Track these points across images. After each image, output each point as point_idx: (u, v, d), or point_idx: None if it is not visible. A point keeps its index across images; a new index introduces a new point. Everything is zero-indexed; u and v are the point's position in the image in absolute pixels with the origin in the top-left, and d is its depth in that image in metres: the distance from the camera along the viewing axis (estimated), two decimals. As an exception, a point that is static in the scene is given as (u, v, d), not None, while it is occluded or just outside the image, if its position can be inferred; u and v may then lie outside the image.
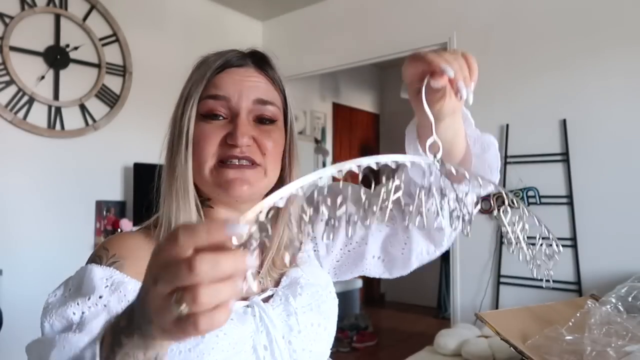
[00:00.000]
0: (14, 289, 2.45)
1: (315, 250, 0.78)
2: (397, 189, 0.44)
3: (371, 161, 0.41)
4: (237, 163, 0.63)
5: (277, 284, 0.70)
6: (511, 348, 1.11)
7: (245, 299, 0.65)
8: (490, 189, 0.56)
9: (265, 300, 0.66)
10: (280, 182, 0.69)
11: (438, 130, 0.54)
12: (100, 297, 0.57)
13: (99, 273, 0.59)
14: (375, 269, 0.78)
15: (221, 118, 0.65)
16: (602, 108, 2.42)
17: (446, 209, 0.58)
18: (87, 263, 0.62)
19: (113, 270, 0.60)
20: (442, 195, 0.50)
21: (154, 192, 0.68)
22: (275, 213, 0.66)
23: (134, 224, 2.96)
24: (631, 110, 2.35)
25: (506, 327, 1.16)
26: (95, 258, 0.62)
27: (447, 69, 0.50)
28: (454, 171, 0.49)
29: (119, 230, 2.76)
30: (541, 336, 1.12)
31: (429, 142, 0.49)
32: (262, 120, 0.66)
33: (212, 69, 0.66)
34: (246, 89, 0.65)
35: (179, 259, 0.32)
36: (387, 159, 0.42)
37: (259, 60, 0.70)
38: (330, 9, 3.51)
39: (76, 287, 0.60)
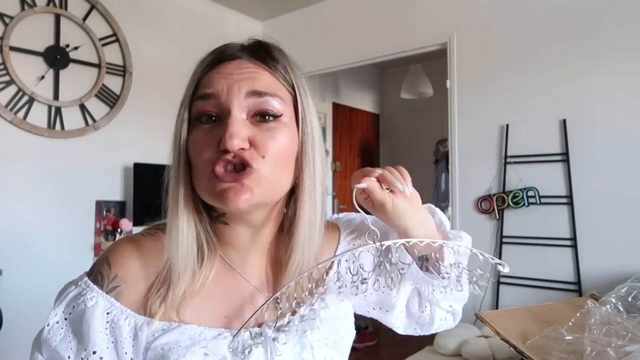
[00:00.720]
0: (14, 289, 2.45)
1: (341, 290, 0.68)
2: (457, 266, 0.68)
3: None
4: (230, 172, 0.53)
5: (295, 311, 0.63)
6: (511, 348, 1.11)
7: (259, 325, 0.60)
8: (463, 245, 0.69)
9: (281, 328, 0.60)
10: (295, 188, 0.60)
11: (411, 228, 0.63)
12: (94, 352, 0.54)
13: (100, 309, 0.56)
14: (397, 321, 0.74)
15: (213, 119, 0.55)
16: (602, 108, 2.42)
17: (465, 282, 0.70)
18: (88, 276, 0.59)
19: (113, 301, 0.56)
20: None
21: (163, 193, 0.62)
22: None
23: (134, 224, 2.95)
24: (631, 110, 2.35)
25: (506, 327, 1.16)
26: (97, 275, 0.58)
27: (376, 170, 0.62)
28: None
29: (119, 230, 2.76)
30: (541, 336, 1.12)
31: (367, 233, 0.60)
32: (263, 117, 0.55)
33: (202, 67, 0.58)
34: (236, 82, 0.55)
35: None
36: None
37: (256, 51, 0.59)
38: (330, 9, 3.51)
39: (76, 325, 0.56)
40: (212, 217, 0.61)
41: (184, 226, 0.57)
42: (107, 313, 0.55)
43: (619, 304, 1.25)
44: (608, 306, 1.23)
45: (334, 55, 3.46)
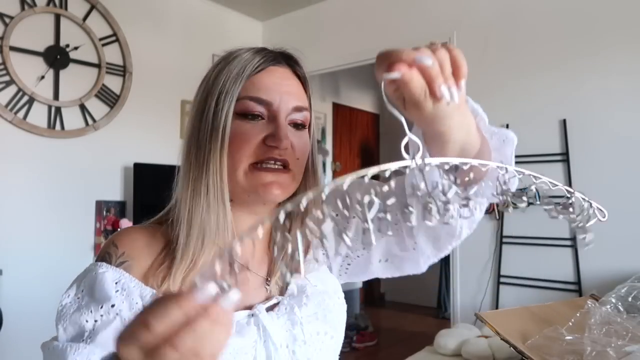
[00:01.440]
0: (14, 289, 2.45)
1: (324, 254, 0.76)
2: (370, 204, 0.40)
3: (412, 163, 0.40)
4: (274, 166, 0.62)
5: (282, 291, 0.69)
6: (511, 348, 1.11)
7: (249, 307, 0.64)
8: (514, 184, 0.51)
9: (271, 308, 0.65)
10: (301, 187, 0.68)
11: (447, 133, 0.50)
12: (113, 305, 0.58)
13: (110, 276, 0.60)
14: (384, 272, 0.76)
15: (260, 119, 0.64)
16: (602, 108, 2.42)
17: (453, 211, 0.56)
18: (96, 260, 0.63)
19: (122, 272, 0.60)
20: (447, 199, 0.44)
21: (169, 189, 0.67)
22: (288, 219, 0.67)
23: (134, 224, 2.96)
24: (631, 110, 2.35)
25: (506, 327, 1.16)
26: (105, 256, 0.62)
27: (423, 59, 0.43)
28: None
29: (119, 230, 2.76)
30: (541, 336, 1.12)
31: (403, 142, 0.43)
32: (295, 125, 0.66)
33: (251, 67, 0.65)
34: (286, 95, 0.65)
35: (160, 344, 0.34)
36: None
37: (294, 64, 0.71)
38: (330, 9, 3.51)
39: (89, 290, 0.60)
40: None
41: (227, 209, 0.62)
42: (116, 282, 0.59)
43: (619, 304, 1.25)
44: (608, 306, 1.23)
45: (334, 55, 3.46)
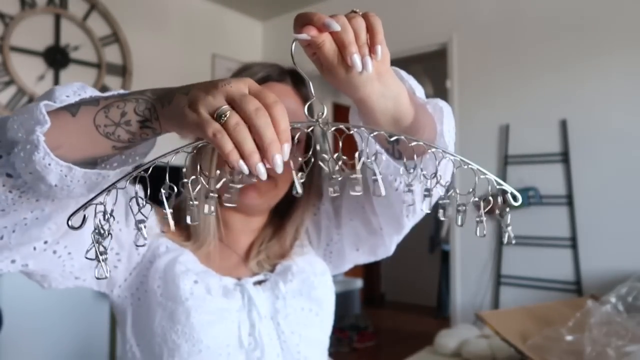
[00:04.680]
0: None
1: (310, 242, 0.81)
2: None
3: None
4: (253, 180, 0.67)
5: (271, 271, 0.75)
6: (511, 348, 1.11)
7: (238, 279, 0.70)
8: (450, 163, 0.48)
9: (258, 284, 0.71)
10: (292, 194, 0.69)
11: (372, 102, 0.50)
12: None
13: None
14: (359, 258, 0.80)
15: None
16: (602, 108, 2.42)
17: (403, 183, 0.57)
18: None
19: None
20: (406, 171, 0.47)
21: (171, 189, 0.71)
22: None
23: (134, 224, 2.92)
24: (631, 110, 2.35)
25: (506, 327, 1.16)
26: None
27: (332, 24, 0.43)
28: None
29: (119, 230, 2.76)
30: (541, 336, 1.12)
31: (306, 105, 0.48)
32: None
33: (255, 79, 0.66)
34: None
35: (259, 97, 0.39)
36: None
37: (296, 81, 0.74)
38: (330, 9, 3.50)
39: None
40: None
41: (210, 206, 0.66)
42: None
43: (619, 304, 1.25)
44: (608, 306, 1.23)
45: (334, 55, 3.45)
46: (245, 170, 0.37)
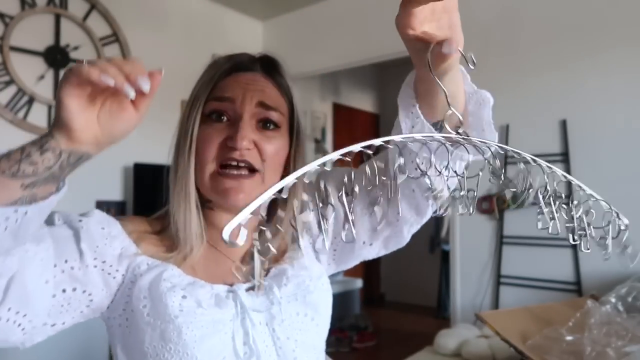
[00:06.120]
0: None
1: (311, 243, 0.77)
2: (351, 193, 0.44)
3: (378, 141, 0.41)
4: (235, 173, 0.64)
5: (265, 275, 0.72)
6: (511, 348, 1.11)
7: (230, 285, 0.67)
8: (489, 152, 0.52)
9: (251, 289, 0.67)
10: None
11: (444, 79, 0.54)
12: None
13: (101, 217, 0.65)
14: (370, 252, 0.77)
15: (224, 119, 0.66)
16: (602, 108, 2.42)
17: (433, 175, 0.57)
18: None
19: (113, 220, 0.65)
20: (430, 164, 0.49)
21: (163, 189, 0.72)
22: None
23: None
24: (631, 109, 2.35)
25: (506, 327, 1.16)
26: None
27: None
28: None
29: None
30: (541, 336, 1.12)
31: (448, 113, 0.50)
32: (265, 125, 0.67)
33: (220, 71, 0.67)
34: (250, 92, 0.66)
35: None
36: (397, 138, 0.43)
37: (267, 66, 0.71)
38: (330, 9, 3.51)
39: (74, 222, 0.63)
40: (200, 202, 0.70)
41: (192, 206, 0.66)
42: (103, 228, 0.63)
43: (619, 304, 1.25)
44: (608, 306, 1.23)
45: (334, 55, 3.46)
46: (131, 92, 0.46)
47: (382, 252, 0.78)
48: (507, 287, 2.67)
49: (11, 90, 2.51)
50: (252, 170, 0.65)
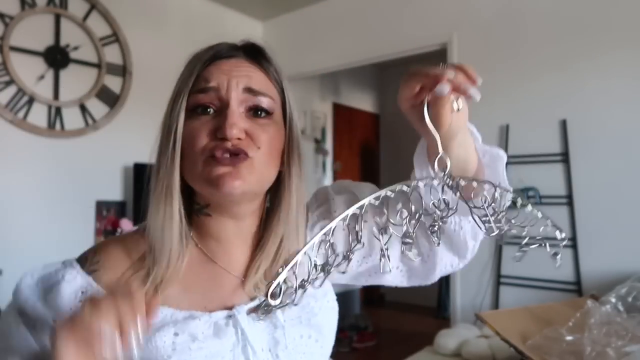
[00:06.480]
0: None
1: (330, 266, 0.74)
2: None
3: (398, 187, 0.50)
4: (228, 157, 0.57)
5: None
6: (511, 348, 1.11)
7: (229, 308, 0.62)
8: (508, 197, 0.57)
9: (253, 310, 0.63)
10: (279, 181, 0.64)
11: (451, 150, 0.55)
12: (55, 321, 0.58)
13: (76, 284, 0.60)
14: (394, 279, 0.75)
15: (211, 111, 0.59)
16: (602, 108, 2.42)
17: (467, 223, 0.66)
18: (76, 259, 0.64)
19: (91, 280, 0.60)
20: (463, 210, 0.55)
21: (144, 195, 0.65)
22: (265, 221, 0.67)
23: (134, 224, 2.95)
24: (631, 110, 2.35)
25: (506, 327, 1.16)
26: (82, 258, 0.64)
27: (448, 72, 0.49)
28: (462, 183, 0.54)
29: (119, 230, 2.76)
30: (541, 336, 1.12)
31: (437, 158, 0.52)
32: (256, 113, 0.60)
33: (200, 63, 0.62)
34: (235, 78, 0.60)
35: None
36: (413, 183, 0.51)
37: (251, 51, 0.64)
38: (330, 9, 3.51)
39: (50, 285, 0.60)
40: (195, 209, 0.64)
41: (174, 211, 0.60)
42: (82, 292, 0.59)
43: (619, 304, 1.25)
44: (608, 306, 1.23)
45: (334, 55, 3.46)
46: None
47: (403, 283, 0.75)
48: (507, 287, 2.67)
49: (11, 90, 2.51)
50: (246, 156, 0.59)
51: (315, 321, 0.67)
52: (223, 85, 0.59)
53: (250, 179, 0.58)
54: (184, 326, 0.58)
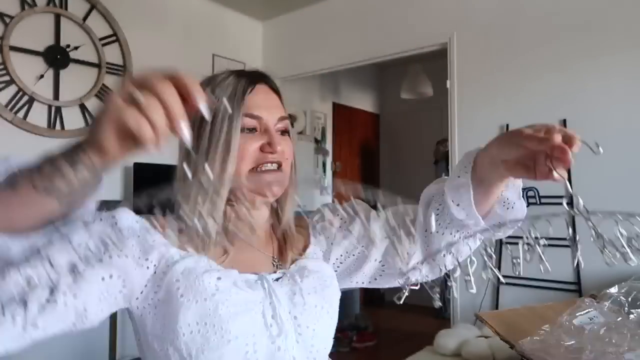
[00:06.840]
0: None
1: (322, 251, 0.87)
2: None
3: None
4: (272, 168, 0.76)
5: (289, 267, 0.81)
6: (511, 348, 1.11)
7: (257, 273, 0.75)
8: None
9: (276, 280, 0.76)
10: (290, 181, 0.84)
11: (500, 186, 0.76)
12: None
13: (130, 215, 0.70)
14: (371, 272, 0.86)
15: (255, 131, 0.77)
16: (603, 108, 2.42)
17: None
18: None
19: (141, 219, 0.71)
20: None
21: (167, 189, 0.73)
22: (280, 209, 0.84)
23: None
24: (631, 110, 2.35)
25: (506, 327, 1.16)
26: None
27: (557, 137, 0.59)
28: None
29: (119, 230, 2.76)
30: (541, 336, 1.12)
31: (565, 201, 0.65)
32: (282, 132, 0.80)
33: (241, 89, 0.77)
34: (272, 109, 0.79)
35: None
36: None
37: (271, 82, 0.83)
38: (330, 9, 3.51)
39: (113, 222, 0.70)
40: (234, 200, 0.78)
41: (220, 208, 0.73)
42: (137, 222, 0.69)
43: (619, 303, 1.25)
44: (607, 304, 1.23)
45: (334, 55, 3.46)
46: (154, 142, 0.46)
47: (373, 284, 0.88)
48: (507, 287, 2.67)
49: (11, 90, 2.51)
50: (280, 167, 0.78)
51: (328, 293, 0.79)
52: (264, 116, 0.77)
53: (285, 185, 0.79)
54: (225, 274, 0.71)
